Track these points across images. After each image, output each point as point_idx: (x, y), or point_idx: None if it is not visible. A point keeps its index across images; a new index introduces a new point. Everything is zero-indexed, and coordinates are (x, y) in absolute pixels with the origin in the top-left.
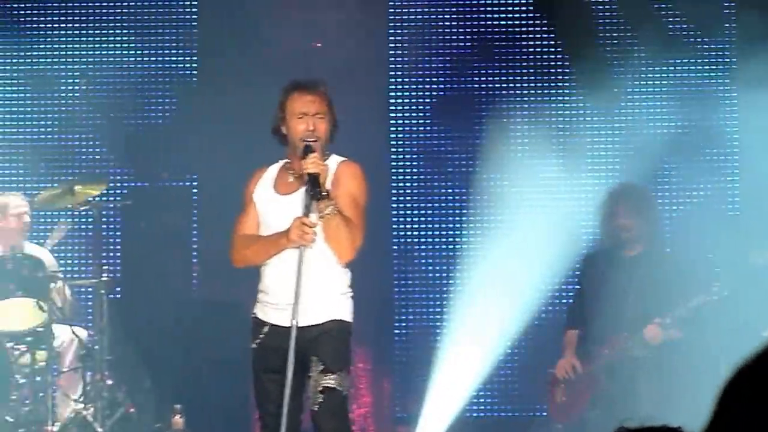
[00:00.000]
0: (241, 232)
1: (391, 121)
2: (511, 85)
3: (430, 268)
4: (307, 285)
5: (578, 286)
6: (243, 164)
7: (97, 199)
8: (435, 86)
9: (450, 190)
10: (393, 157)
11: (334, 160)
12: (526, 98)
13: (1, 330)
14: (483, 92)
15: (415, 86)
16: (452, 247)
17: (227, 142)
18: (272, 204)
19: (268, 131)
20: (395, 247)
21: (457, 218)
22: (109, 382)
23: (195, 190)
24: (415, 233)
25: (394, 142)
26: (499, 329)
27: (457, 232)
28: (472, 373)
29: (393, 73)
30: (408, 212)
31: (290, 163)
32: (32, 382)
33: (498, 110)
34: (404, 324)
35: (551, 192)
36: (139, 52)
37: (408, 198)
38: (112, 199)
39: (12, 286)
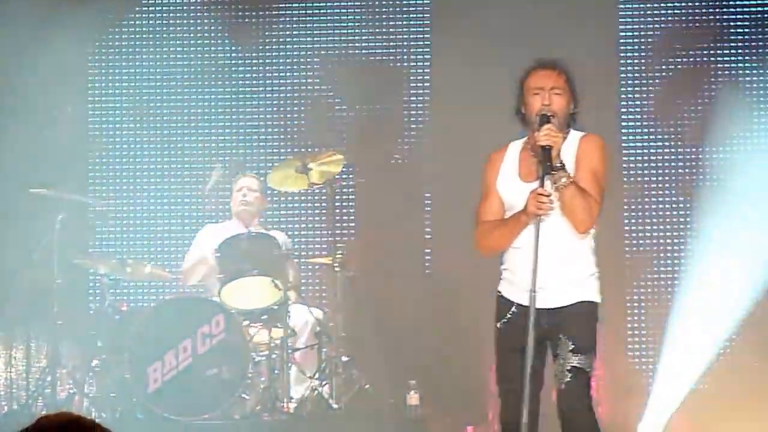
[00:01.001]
0: (484, 219)
1: (622, 103)
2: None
3: (661, 248)
4: (552, 263)
5: None
6: (475, 138)
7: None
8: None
9: (678, 178)
10: (624, 139)
11: (575, 136)
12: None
13: (238, 308)
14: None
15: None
16: (682, 227)
17: (458, 120)
18: (521, 195)
19: (500, 110)
20: (626, 228)
21: (687, 203)
22: (345, 358)
23: (425, 166)
24: (646, 215)
25: (625, 124)
26: (728, 312)
27: (687, 217)
28: (702, 350)
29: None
30: (638, 198)
31: (530, 143)
32: (268, 359)
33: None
34: (636, 302)
35: None
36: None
37: (638, 180)
38: (345, 176)
39: (248, 265)
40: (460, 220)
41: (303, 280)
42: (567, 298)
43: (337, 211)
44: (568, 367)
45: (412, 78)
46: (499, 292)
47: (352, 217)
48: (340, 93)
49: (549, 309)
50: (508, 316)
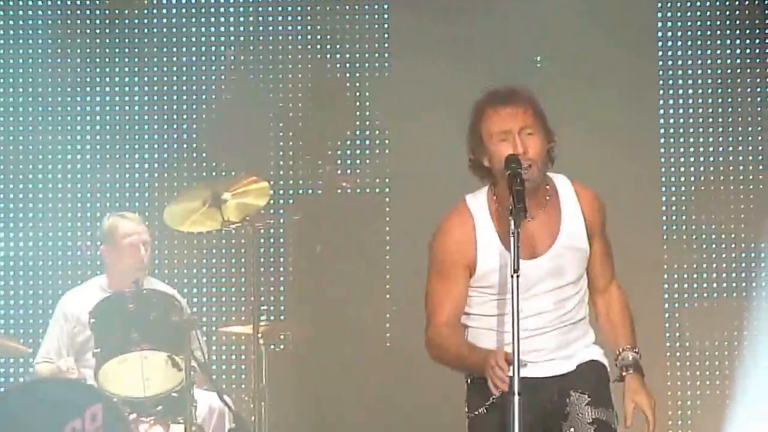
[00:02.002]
0: (442, 309)
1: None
2: None
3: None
4: (556, 330)
5: None
6: (448, 158)
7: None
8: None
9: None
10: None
11: (564, 183)
12: None
13: (122, 396)
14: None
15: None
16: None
17: (428, 137)
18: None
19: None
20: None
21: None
22: None
23: (388, 200)
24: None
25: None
26: None
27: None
28: None
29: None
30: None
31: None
32: None
33: None
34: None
35: None
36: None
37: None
38: (272, 211)
39: (135, 335)
40: None
41: (213, 356)
42: (573, 361)
43: (262, 260)
44: (589, 420)
45: (367, 81)
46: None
47: (282, 269)
48: (265, 98)
49: (551, 377)
50: (492, 399)
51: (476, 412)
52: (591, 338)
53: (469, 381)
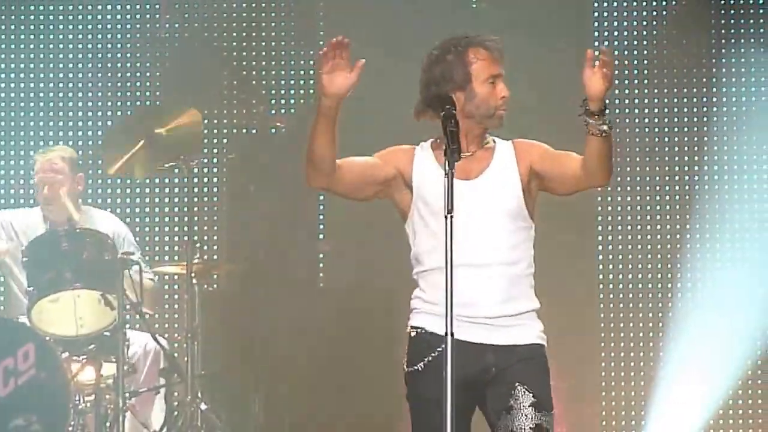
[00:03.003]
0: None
1: None
2: None
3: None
4: (497, 283)
5: None
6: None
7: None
8: None
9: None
10: None
11: (504, 144)
12: None
13: (55, 335)
14: None
15: None
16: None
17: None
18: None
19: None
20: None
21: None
22: (203, 406)
23: None
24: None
25: None
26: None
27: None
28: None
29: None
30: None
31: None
32: (96, 406)
33: None
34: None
35: None
36: None
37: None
38: (206, 152)
39: (69, 275)
40: (369, 210)
41: (146, 295)
42: (522, 334)
43: (195, 199)
44: (531, 426)
45: (295, 21)
46: (419, 328)
47: (215, 209)
48: (199, 37)
49: (497, 345)
50: (432, 355)
51: (414, 368)
52: (535, 306)
53: (411, 335)
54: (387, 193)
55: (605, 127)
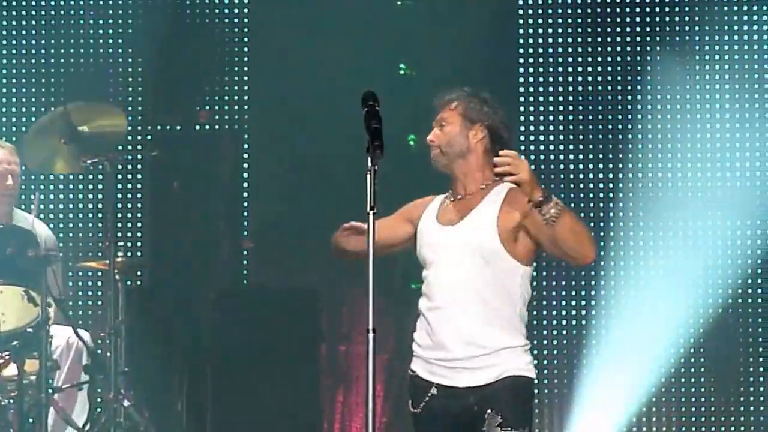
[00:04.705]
0: None
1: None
2: None
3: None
4: (469, 328)
5: None
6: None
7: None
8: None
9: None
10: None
11: (501, 187)
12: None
13: None
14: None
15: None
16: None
17: (287, 75)
18: (437, 235)
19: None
20: None
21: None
22: (126, 403)
23: (246, 136)
24: None
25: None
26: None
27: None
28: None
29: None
30: None
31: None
32: (19, 402)
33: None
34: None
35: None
36: None
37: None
38: (131, 147)
39: None
40: (293, 208)
41: (69, 292)
42: (498, 371)
43: (119, 196)
44: None
45: (227, 18)
46: (413, 372)
47: (140, 205)
48: (125, 33)
49: (473, 387)
50: (427, 398)
51: (415, 411)
52: (512, 344)
53: (409, 376)
54: (413, 245)
55: (548, 216)
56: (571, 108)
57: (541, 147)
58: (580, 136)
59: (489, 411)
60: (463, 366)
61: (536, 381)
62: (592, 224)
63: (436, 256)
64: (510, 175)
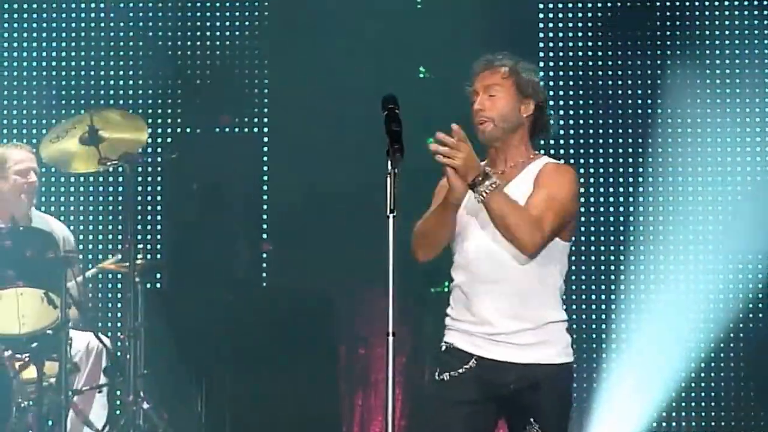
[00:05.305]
0: None
1: None
2: None
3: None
4: (515, 297)
5: None
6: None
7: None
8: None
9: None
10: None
11: (542, 160)
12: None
13: None
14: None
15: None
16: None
17: (307, 77)
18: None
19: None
20: None
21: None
22: (145, 405)
23: (266, 139)
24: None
25: None
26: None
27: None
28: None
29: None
30: None
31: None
32: (39, 405)
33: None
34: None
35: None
36: None
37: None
38: (150, 150)
39: (11, 272)
40: (312, 211)
41: (88, 294)
42: (539, 353)
43: (139, 198)
44: None
45: (247, 21)
46: (449, 344)
47: (160, 208)
48: (145, 36)
49: (515, 363)
50: (462, 370)
51: (442, 377)
52: (561, 317)
53: (442, 348)
54: None
55: (477, 197)
56: (591, 112)
57: (561, 151)
58: (600, 140)
59: (533, 421)
60: (509, 341)
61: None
62: (612, 228)
63: (475, 229)
64: (446, 159)
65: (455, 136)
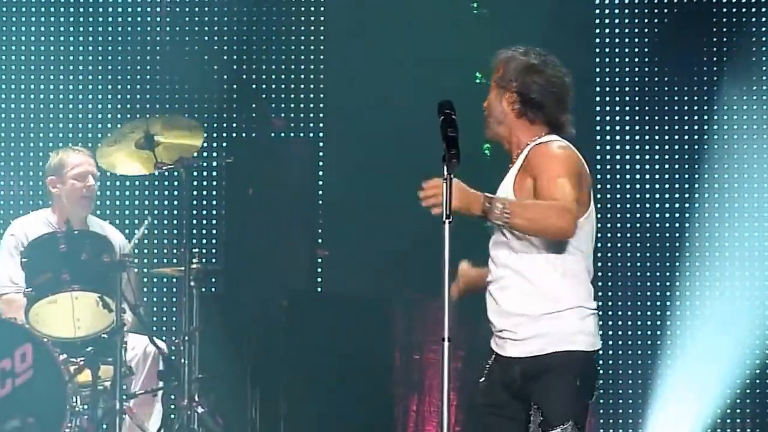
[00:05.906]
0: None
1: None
2: None
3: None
4: (513, 294)
5: None
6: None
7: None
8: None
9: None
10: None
11: (535, 142)
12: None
13: (52, 336)
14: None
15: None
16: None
17: (362, 80)
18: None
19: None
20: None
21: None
22: (200, 409)
23: (321, 144)
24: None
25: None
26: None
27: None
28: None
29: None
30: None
31: None
32: (93, 408)
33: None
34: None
35: None
36: None
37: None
38: (207, 155)
39: (67, 276)
40: (368, 216)
41: (144, 298)
42: (541, 344)
43: (194, 202)
44: None
45: (302, 26)
46: (490, 347)
47: (215, 212)
48: (200, 41)
49: (517, 358)
50: (487, 368)
51: (480, 380)
52: (563, 306)
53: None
54: None
55: (500, 224)
56: (647, 118)
57: (617, 156)
58: (656, 146)
59: (534, 405)
60: (508, 337)
61: (595, 350)
62: (668, 234)
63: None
64: (436, 207)
65: (431, 186)
